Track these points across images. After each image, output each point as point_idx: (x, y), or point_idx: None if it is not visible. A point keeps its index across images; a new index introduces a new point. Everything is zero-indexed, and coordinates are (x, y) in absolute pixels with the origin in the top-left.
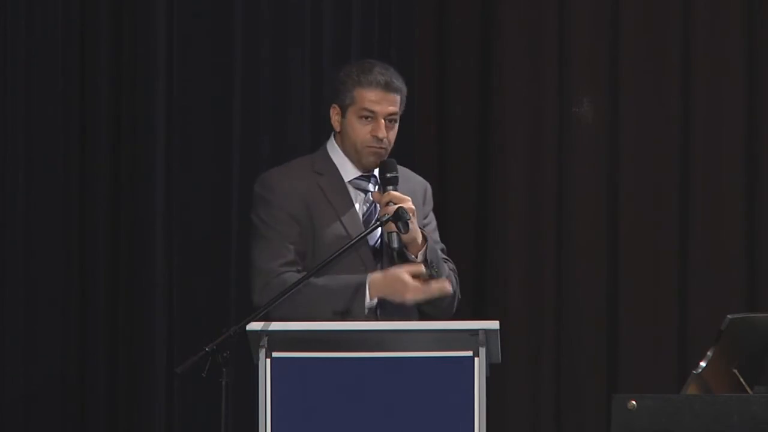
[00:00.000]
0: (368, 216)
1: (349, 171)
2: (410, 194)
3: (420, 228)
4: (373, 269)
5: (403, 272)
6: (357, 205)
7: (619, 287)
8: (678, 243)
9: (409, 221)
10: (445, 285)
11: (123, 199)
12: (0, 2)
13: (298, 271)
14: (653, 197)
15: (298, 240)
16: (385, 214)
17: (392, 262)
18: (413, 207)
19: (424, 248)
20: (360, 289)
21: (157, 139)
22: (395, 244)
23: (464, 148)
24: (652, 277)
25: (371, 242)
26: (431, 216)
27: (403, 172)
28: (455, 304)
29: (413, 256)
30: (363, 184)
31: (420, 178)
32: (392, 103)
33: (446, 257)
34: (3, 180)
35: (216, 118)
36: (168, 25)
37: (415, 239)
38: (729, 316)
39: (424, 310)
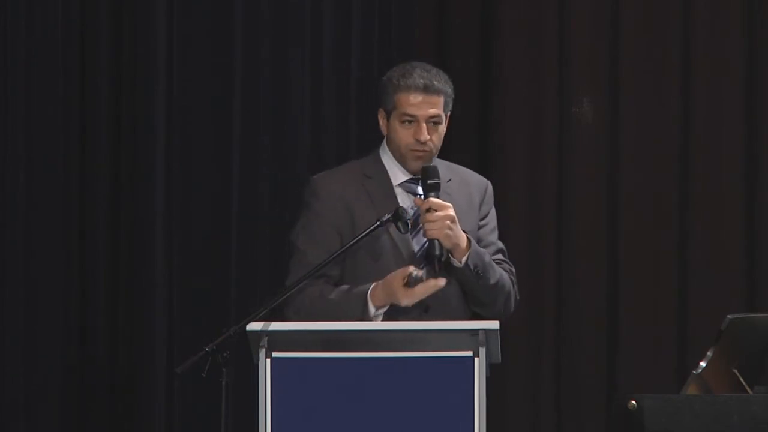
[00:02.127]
0: (414, 220)
1: (398, 174)
2: (466, 197)
3: (465, 231)
4: None
5: (395, 278)
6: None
7: (619, 287)
8: (678, 243)
9: (409, 221)
10: (433, 283)
11: (123, 199)
12: (0, 2)
13: (326, 282)
14: (653, 197)
15: (331, 249)
16: (386, 215)
17: (435, 269)
18: (453, 214)
19: (467, 253)
20: (365, 300)
21: (157, 139)
22: (437, 251)
23: (464, 148)
24: (652, 277)
25: (416, 249)
26: (491, 215)
27: (462, 174)
28: (512, 305)
29: (457, 262)
30: (413, 187)
31: (480, 178)
32: (433, 106)
33: (504, 259)
34: (3, 180)
35: (216, 118)
36: (168, 25)
37: (457, 245)
38: (729, 316)
39: (477, 311)
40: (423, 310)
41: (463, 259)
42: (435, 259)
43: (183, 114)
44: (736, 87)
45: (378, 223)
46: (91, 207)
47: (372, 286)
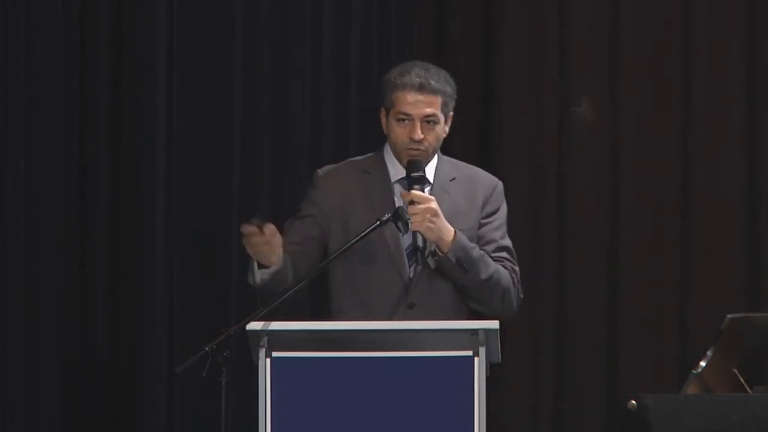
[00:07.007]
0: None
1: (397, 171)
2: (468, 196)
3: (462, 229)
4: (406, 271)
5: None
6: (399, 204)
7: (619, 287)
8: (678, 243)
9: (409, 221)
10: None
11: (123, 199)
12: (0, 2)
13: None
14: (653, 197)
15: (308, 238)
16: (385, 214)
17: (418, 261)
18: (434, 207)
19: (452, 246)
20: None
21: (157, 140)
22: (420, 243)
23: (464, 150)
24: (652, 277)
25: (404, 244)
26: (498, 214)
27: (470, 173)
28: (514, 303)
29: (442, 254)
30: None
31: (490, 177)
32: (429, 105)
33: (506, 257)
34: (3, 179)
35: (216, 118)
36: (168, 25)
37: (441, 238)
38: (729, 316)
39: (475, 309)
40: (407, 306)
41: (449, 251)
42: (418, 252)
43: (183, 114)
44: (736, 87)
45: (378, 222)
46: (92, 207)
47: None
